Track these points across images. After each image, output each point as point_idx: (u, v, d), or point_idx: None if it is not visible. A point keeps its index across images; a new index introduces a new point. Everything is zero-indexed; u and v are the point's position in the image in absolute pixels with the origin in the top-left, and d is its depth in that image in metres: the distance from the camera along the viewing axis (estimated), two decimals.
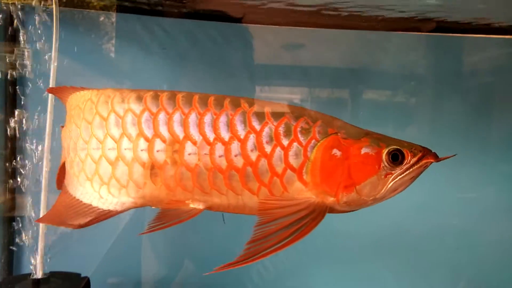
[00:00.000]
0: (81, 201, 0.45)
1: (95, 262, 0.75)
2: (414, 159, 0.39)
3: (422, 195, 0.75)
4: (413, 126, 0.88)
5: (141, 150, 0.43)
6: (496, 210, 0.81)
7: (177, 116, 0.43)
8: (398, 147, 0.39)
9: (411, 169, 0.39)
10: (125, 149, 0.43)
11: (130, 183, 0.43)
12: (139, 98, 0.44)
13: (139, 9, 0.77)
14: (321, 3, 0.72)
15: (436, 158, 0.40)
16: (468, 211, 0.81)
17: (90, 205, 0.45)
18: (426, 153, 0.40)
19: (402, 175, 0.40)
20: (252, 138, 0.41)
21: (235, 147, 0.41)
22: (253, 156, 0.41)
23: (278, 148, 0.41)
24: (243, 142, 0.41)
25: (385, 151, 0.39)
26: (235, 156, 0.41)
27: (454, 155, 0.41)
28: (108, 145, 0.44)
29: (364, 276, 0.82)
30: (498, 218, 0.80)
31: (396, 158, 0.39)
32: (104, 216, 0.45)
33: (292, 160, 0.41)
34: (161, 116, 0.43)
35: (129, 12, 0.77)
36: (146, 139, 0.43)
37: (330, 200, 0.40)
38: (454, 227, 0.83)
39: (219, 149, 0.41)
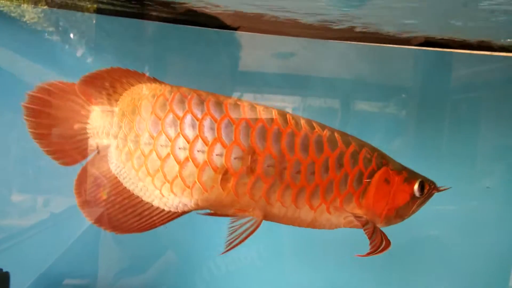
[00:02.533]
0: (141, 199, 0.46)
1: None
2: (429, 190, 0.51)
3: None
4: (400, 138, 0.92)
5: (216, 155, 0.44)
6: (475, 223, 0.88)
7: (260, 128, 0.45)
8: (424, 180, 0.50)
9: (426, 197, 0.51)
10: (198, 151, 0.44)
11: (197, 184, 0.45)
12: (219, 104, 0.45)
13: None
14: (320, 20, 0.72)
15: (437, 189, 0.52)
16: (447, 223, 0.87)
17: (151, 205, 0.46)
18: (434, 185, 0.51)
19: (422, 201, 0.51)
20: (326, 160, 0.46)
21: (311, 166, 0.45)
22: (324, 176, 0.46)
23: (346, 173, 0.47)
24: (318, 163, 0.46)
25: (417, 183, 0.49)
26: (310, 174, 0.45)
27: (450, 187, 0.54)
28: (179, 144, 0.45)
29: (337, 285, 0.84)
30: (477, 231, 0.88)
31: (422, 189, 0.50)
32: (166, 219, 0.46)
33: (354, 184, 0.47)
34: (243, 126, 0.45)
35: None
36: (224, 145, 0.44)
37: (376, 219, 0.48)
38: (433, 238, 0.89)
39: (297, 166, 0.45)
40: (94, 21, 0.75)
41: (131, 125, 0.47)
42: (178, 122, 0.45)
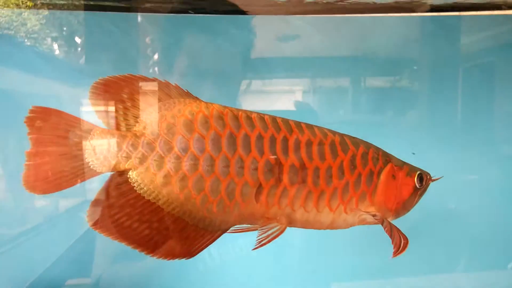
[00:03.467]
0: (187, 223, 0.46)
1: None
2: (427, 180, 0.55)
3: None
4: (414, 111, 0.90)
5: (252, 170, 0.46)
6: (495, 192, 0.87)
7: (283, 140, 0.47)
8: (422, 172, 0.54)
9: (425, 187, 0.55)
10: (238, 167, 0.45)
11: (236, 200, 0.46)
12: (249, 119, 0.47)
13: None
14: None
15: (432, 179, 0.56)
16: (467, 195, 0.86)
17: (196, 227, 0.46)
18: (430, 175, 0.55)
19: (422, 192, 0.55)
20: (341, 163, 0.49)
21: (328, 170, 0.49)
22: (341, 178, 0.49)
23: (359, 173, 0.50)
24: (335, 167, 0.49)
25: (416, 175, 0.53)
26: (329, 178, 0.49)
27: (442, 177, 0.57)
28: (223, 163, 0.45)
29: (357, 261, 0.85)
30: (496, 201, 0.87)
31: (421, 180, 0.54)
32: (209, 240, 0.47)
33: (367, 183, 0.51)
34: (270, 139, 0.47)
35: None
36: (257, 159, 0.46)
37: (387, 214, 0.52)
38: (452, 211, 0.88)
39: (316, 171, 0.48)
40: (92, 20, 0.74)
41: (170, 145, 0.45)
42: (221, 139, 0.45)
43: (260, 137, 0.47)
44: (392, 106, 0.88)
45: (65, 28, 0.74)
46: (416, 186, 0.53)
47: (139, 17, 0.76)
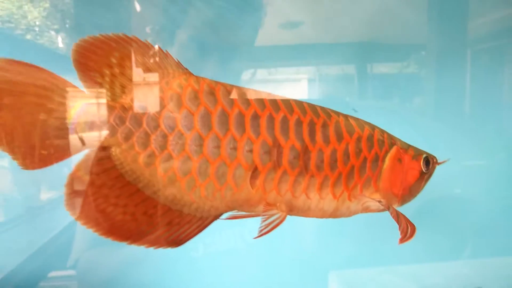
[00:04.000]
0: (169, 208, 0.42)
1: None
2: (434, 164, 0.50)
3: None
4: (421, 97, 0.89)
5: (246, 151, 0.42)
6: (501, 177, 0.86)
7: (282, 119, 0.43)
8: (428, 156, 0.50)
9: (431, 172, 0.50)
10: (230, 148, 0.41)
11: (228, 185, 0.42)
12: (244, 96, 0.42)
13: None
14: None
15: (438, 162, 0.52)
16: (473, 179, 0.86)
17: (181, 213, 0.42)
18: (436, 159, 0.51)
19: (428, 177, 0.50)
20: (347, 147, 0.45)
21: (333, 154, 0.45)
22: (347, 163, 0.45)
23: (365, 157, 0.46)
24: (340, 150, 0.45)
25: (422, 158, 0.49)
26: (333, 162, 0.45)
27: (448, 159, 0.53)
28: (213, 143, 0.41)
29: (362, 245, 0.85)
30: (501, 185, 0.87)
31: (428, 163, 0.49)
32: (198, 228, 0.43)
33: (372, 168, 0.47)
34: (267, 118, 0.43)
35: None
36: (252, 140, 0.42)
37: (393, 200, 0.48)
38: (457, 196, 0.88)
39: (320, 155, 0.44)
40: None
41: (157, 122, 0.40)
42: (211, 117, 0.41)
43: (256, 116, 0.42)
44: (399, 92, 0.88)
45: (67, 21, 0.74)
46: (422, 170, 0.49)
47: None
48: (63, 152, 0.39)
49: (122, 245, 0.39)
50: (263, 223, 0.43)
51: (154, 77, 0.40)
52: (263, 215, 0.43)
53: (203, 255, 0.77)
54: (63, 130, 0.39)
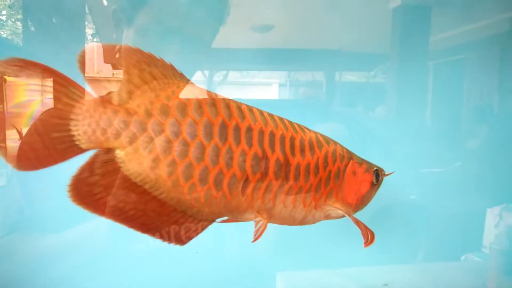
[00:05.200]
0: (174, 208, 0.45)
1: None
2: (383, 176, 0.58)
3: None
4: (384, 105, 0.93)
5: (240, 162, 0.45)
6: (455, 184, 0.91)
7: (270, 134, 0.47)
8: (378, 169, 0.56)
9: (379, 183, 0.57)
10: (228, 158, 0.44)
11: (223, 192, 0.45)
12: (239, 109, 0.46)
13: None
14: None
15: (385, 174, 0.58)
16: (428, 186, 0.90)
17: (184, 214, 0.45)
18: (384, 171, 0.58)
19: (377, 187, 0.57)
20: (317, 160, 0.51)
21: (307, 167, 0.50)
22: (315, 176, 0.51)
23: (330, 170, 0.52)
24: (312, 163, 0.50)
25: (373, 171, 0.56)
26: (307, 174, 0.50)
27: (393, 172, 0.59)
28: (214, 151, 0.44)
29: (315, 251, 0.87)
30: (455, 192, 0.91)
31: (378, 176, 0.56)
32: (199, 229, 0.46)
33: (335, 179, 0.52)
34: (258, 132, 0.46)
35: None
36: (246, 151, 0.45)
37: (348, 209, 0.54)
38: (413, 201, 0.91)
39: (298, 167, 0.49)
40: None
41: (162, 127, 0.42)
42: (213, 127, 0.44)
43: (249, 129, 0.45)
44: (364, 101, 0.91)
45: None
46: (373, 181, 0.55)
47: None
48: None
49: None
50: (255, 229, 0.48)
51: (160, 85, 0.43)
52: (256, 221, 0.48)
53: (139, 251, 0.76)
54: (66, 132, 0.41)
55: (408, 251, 0.84)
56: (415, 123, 0.91)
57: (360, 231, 0.50)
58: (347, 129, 0.88)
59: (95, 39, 0.80)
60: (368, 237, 0.49)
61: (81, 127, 0.41)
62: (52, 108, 0.40)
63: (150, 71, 0.42)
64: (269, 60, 0.93)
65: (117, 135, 0.41)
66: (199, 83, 1.00)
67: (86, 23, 0.76)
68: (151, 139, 0.42)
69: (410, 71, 0.93)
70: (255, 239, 0.46)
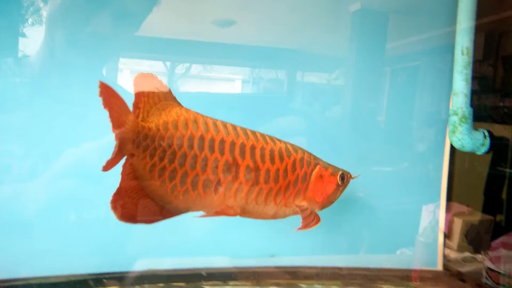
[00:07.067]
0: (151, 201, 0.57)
1: None
2: (348, 179, 0.69)
3: None
4: (339, 106, 0.97)
5: (214, 167, 0.57)
6: (400, 183, 0.97)
7: (241, 144, 0.59)
8: (343, 172, 0.68)
9: (345, 184, 0.69)
10: (203, 164, 0.57)
11: (198, 192, 0.57)
12: (215, 124, 0.59)
13: None
14: None
15: (351, 177, 0.70)
16: (376, 184, 0.95)
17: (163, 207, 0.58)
18: (350, 174, 0.70)
19: (343, 188, 0.68)
20: (286, 166, 0.62)
21: (277, 173, 0.61)
22: (285, 178, 0.62)
23: (297, 175, 0.63)
24: (281, 169, 0.62)
25: (339, 174, 0.67)
26: (276, 178, 0.61)
27: (360, 175, 0.70)
28: (193, 159, 0.57)
29: (254, 246, 0.89)
30: (399, 191, 0.97)
31: (343, 178, 0.67)
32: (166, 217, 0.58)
33: (302, 182, 0.64)
34: (230, 143, 0.59)
35: None
36: (219, 159, 0.58)
37: (315, 206, 0.66)
38: (359, 199, 0.96)
39: (267, 172, 0.61)
40: None
41: (162, 140, 0.56)
42: (193, 139, 0.57)
43: (222, 141, 0.58)
44: (321, 100, 0.94)
45: None
46: (338, 183, 0.67)
47: None
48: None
49: None
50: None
51: (163, 106, 0.58)
52: (222, 214, 0.60)
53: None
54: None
55: (349, 244, 0.90)
56: (369, 124, 0.96)
57: (303, 220, 0.62)
58: (304, 126, 0.91)
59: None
60: (309, 224, 0.62)
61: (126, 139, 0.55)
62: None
63: (159, 95, 0.57)
64: (232, 55, 0.94)
65: (138, 145, 0.56)
66: (160, 75, 1.00)
67: None
68: (155, 149, 0.56)
69: (368, 75, 0.97)
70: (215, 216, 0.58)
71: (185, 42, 0.90)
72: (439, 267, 0.96)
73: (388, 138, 0.96)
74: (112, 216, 0.53)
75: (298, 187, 0.63)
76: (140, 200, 0.56)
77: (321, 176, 0.65)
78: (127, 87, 0.91)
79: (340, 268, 0.87)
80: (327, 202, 0.66)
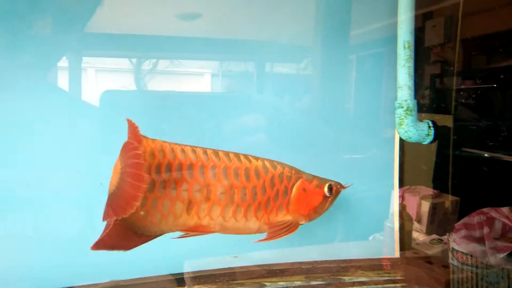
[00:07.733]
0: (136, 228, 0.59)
1: None
2: (337, 189, 0.70)
3: None
4: (309, 96, 0.98)
5: (183, 190, 0.59)
6: (368, 170, 1.00)
7: (211, 167, 0.61)
8: (331, 183, 0.69)
9: (335, 195, 0.70)
10: (172, 188, 0.59)
11: (170, 214, 0.59)
12: (183, 151, 0.61)
13: None
14: None
15: (343, 187, 0.71)
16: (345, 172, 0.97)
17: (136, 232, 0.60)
18: (340, 184, 0.71)
19: (333, 198, 0.69)
20: (263, 183, 0.63)
21: (253, 190, 0.63)
22: (263, 195, 0.63)
23: (277, 190, 0.65)
24: (258, 186, 0.63)
25: (326, 186, 0.68)
26: (254, 194, 0.63)
27: (352, 184, 0.71)
28: (161, 185, 0.59)
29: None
30: (366, 178, 1.00)
31: (331, 190, 0.68)
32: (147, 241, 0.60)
33: (283, 196, 0.65)
34: (199, 167, 0.61)
35: None
36: (188, 182, 0.60)
37: (300, 218, 0.67)
38: None
39: (243, 190, 0.62)
40: None
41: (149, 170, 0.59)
42: (160, 167, 0.59)
43: (191, 166, 0.60)
44: (289, 91, 0.95)
45: None
46: (325, 195, 0.68)
47: None
48: None
49: None
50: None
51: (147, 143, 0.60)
52: (201, 233, 0.61)
53: None
54: None
55: (323, 232, 0.92)
56: (338, 113, 0.98)
57: (277, 231, 0.64)
58: (274, 119, 0.92)
59: None
60: (277, 235, 0.63)
61: None
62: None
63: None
64: (199, 49, 0.93)
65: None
66: (126, 72, 0.98)
67: None
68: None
69: (335, 64, 0.98)
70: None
71: (150, 38, 0.88)
72: (396, 253, 0.96)
73: (356, 125, 0.98)
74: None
75: (280, 201, 0.64)
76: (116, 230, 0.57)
77: (304, 189, 0.66)
78: (91, 86, 0.88)
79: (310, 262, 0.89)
80: (314, 214, 0.67)
